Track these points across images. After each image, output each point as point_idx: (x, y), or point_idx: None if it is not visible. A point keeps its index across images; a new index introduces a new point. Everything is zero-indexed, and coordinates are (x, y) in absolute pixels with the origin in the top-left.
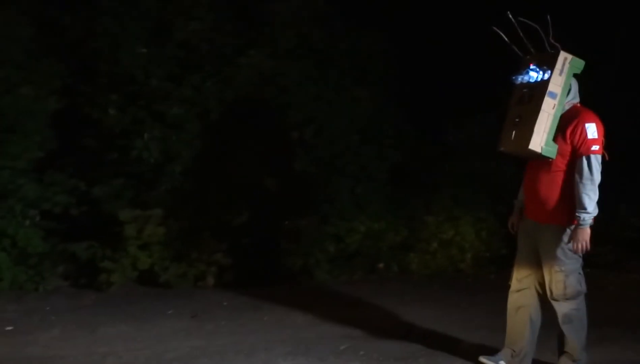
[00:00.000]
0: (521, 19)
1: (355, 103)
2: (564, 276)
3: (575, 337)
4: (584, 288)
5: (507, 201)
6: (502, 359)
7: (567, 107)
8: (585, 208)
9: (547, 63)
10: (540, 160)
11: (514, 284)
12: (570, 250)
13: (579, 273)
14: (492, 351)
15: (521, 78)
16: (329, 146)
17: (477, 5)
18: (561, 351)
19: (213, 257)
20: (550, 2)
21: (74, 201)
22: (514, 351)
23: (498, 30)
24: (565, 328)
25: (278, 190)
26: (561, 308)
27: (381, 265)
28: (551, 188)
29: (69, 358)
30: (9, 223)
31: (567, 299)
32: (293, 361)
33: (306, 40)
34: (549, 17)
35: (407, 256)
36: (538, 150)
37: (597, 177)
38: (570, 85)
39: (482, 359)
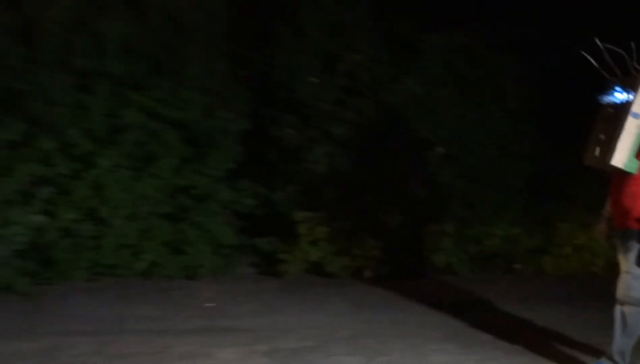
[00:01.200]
0: (607, 45)
1: (495, 121)
2: (631, 279)
3: (618, 339)
4: None
5: None
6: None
7: None
8: None
9: (631, 86)
10: (623, 174)
11: None
12: None
13: None
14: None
15: (607, 99)
16: (470, 159)
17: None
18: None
19: (370, 253)
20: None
21: (258, 204)
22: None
23: (586, 55)
24: (615, 326)
25: (426, 197)
26: (620, 310)
27: (518, 266)
28: (634, 199)
29: (257, 331)
30: (208, 220)
31: (628, 304)
32: (443, 346)
33: (452, 67)
34: (632, 44)
35: (541, 259)
36: (620, 165)
37: None
38: None
39: None
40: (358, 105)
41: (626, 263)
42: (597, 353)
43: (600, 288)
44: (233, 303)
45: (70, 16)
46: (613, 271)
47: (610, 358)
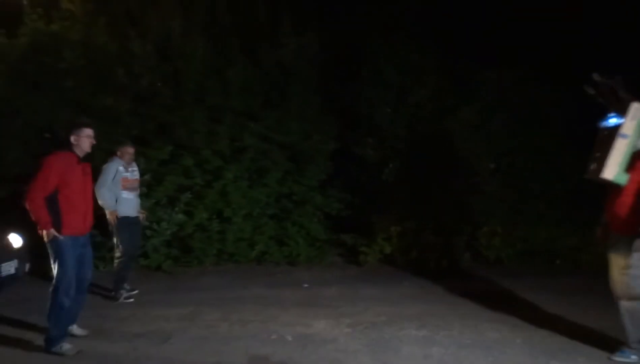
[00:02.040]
0: (598, 78)
1: (540, 140)
2: (630, 279)
3: (631, 330)
4: None
5: None
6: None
7: None
8: None
9: (623, 111)
10: (615, 187)
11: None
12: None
13: None
14: None
15: (604, 123)
16: (518, 172)
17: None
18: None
19: (433, 248)
20: None
21: (344, 207)
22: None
23: (588, 89)
24: (624, 321)
25: (478, 203)
26: (624, 306)
27: (558, 261)
28: (624, 207)
29: (342, 308)
30: (305, 220)
31: (629, 299)
32: (495, 325)
33: (505, 96)
34: (620, 77)
35: (578, 256)
36: (610, 178)
37: None
38: None
39: (614, 358)
40: (424, 130)
41: (623, 263)
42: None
43: None
44: (324, 285)
45: (205, 66)
46: None
47: (630, 347)
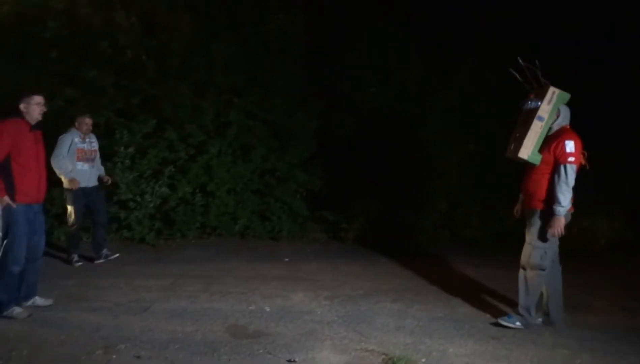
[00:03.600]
0: (522, 62)
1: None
2: (532, 249)
3: (522, 297)
4: (544, 265)
5: None
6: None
7: (555, 128)
8: (560, 203)
9: (540, 95)
10: (530, 165)
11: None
12: (543, 231)
13: (545, 252)
14: None
15: (524, 106)
16: (495, 154)
17: None
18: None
19: (412, 226)
20: None
21: (325, 184)
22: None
23: (513, 72)
24: (520, 287)
25: (458, 183)
26: (523, 274)
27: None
28: (537, 185)
29: (321, 282)
30: (288, 196)
31: (530, 268)
32: (467, 299)
33: (484, 79)
34: (537, 61)
35: None
36: (525, 157)
37: (571, 181)
38: (560, 111)
39: (500, 321)
40: (406, 110)
41: (529, 235)
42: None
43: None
44: (304, 260)
45: (189, 40)
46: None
47: (518, 313)
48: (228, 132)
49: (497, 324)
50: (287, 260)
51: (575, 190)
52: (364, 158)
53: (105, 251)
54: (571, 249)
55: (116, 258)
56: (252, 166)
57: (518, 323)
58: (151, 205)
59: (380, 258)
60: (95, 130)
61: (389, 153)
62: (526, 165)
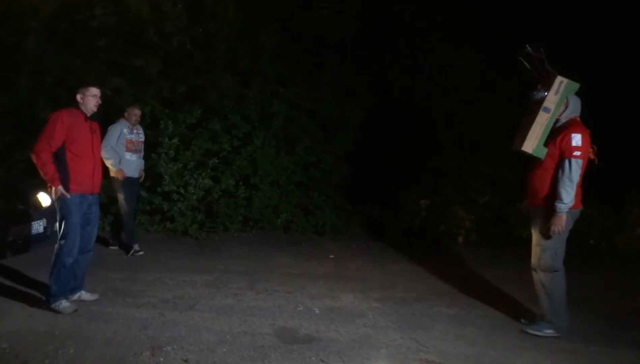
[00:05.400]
0: (530, 50)
1: None
2: (541, 250)
3: (546, 302)
4: (557, 266)
5: None
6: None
7: (563, 120)
8: (562, 199)
9: (547, 85)
10: (535, 159)
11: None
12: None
13: (555, 252)
14: None
15: (533, 96)
16: None
17: None
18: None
19: (461, 223)
20: None
21: (371, 178)
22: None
23: (523, 60)
24: (539, 294)
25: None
26: (537, 277)
27: (592, 242)
28: (542, 181)
29: (369, 281)
30: (332, 190)
31: (541, 270)
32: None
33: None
34: (542, 49)
35: (613, 238)
36: (529, 151)
37: (576, 177)
38: (568, 102)
39: (528, 331)
40: (459, 102)
41: (537, 236)
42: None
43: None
44: (350, 257)
45: (236, 28)
46: None
47: (543, 318)
48: (273, 123)
49: (524, 332)
50: (332, 256)
51: (582, 186)
52: (410, 152)
53: (135, 246)
54: None
55: (159, 250)
56: (296, 158)
57: (548, 331)
58: (194, 197)
59: (429, 256)
60: (141, 120)
61: (438, 146)
62: (531, 159)
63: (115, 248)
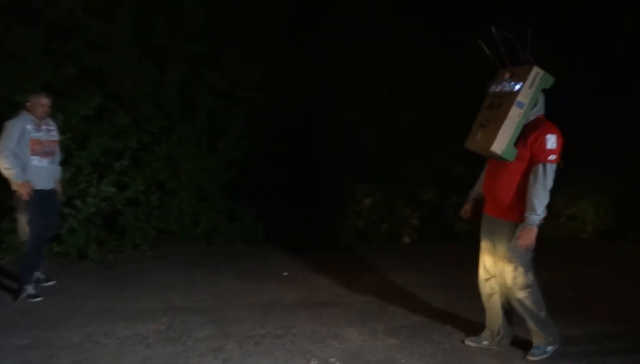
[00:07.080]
0: (502, 32)
1: None
2: (513, 268)
3: (532, 320)
4: (531, 280)
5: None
6: (485, 340)
7: (531, 118)
8: (535, 210)
9: (520, 76)
10: (500, 161)
11: (482, 273)
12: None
13: (528, 266)
14: None
15: (495, 87)
16: None
17: None
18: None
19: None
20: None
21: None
22: (493, 332)
23: (481, 43)
24: (522, 313)
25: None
26: (515, 295)
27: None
28: (508, 187)
29: (357, 305)
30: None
31: (519, 289)
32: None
33: None
34: (529, 32)
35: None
36: (499, 152)
37: (550, 184)
38: (538, 98)
39: (467, 342)
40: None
41: (505, 253)
42: None
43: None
44: (309, 271)
45: None
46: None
47: (539, 337)
48: (196, 115)
49: (529, 361)
50: (285, 273)
51: (552, 191)
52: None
53: (38, 274)
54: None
55: (70, 288)
56: (221, 156)
57: (550, 347)
58: (92, 210)
59: (374, 257)
60: (15, 110)
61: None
62: (490, 161)
63: (53, 283)
